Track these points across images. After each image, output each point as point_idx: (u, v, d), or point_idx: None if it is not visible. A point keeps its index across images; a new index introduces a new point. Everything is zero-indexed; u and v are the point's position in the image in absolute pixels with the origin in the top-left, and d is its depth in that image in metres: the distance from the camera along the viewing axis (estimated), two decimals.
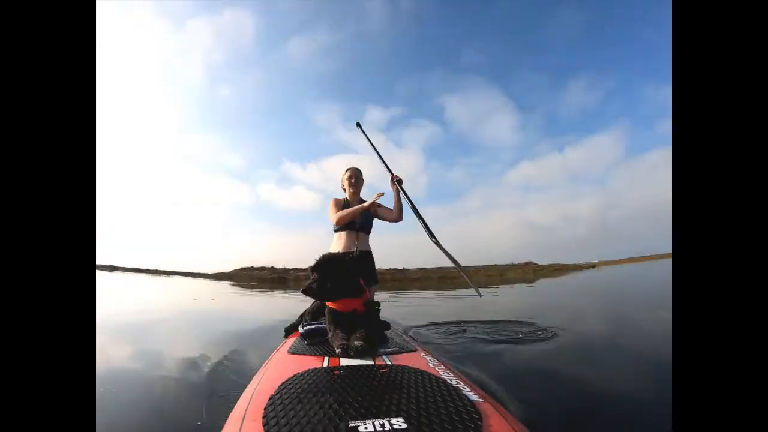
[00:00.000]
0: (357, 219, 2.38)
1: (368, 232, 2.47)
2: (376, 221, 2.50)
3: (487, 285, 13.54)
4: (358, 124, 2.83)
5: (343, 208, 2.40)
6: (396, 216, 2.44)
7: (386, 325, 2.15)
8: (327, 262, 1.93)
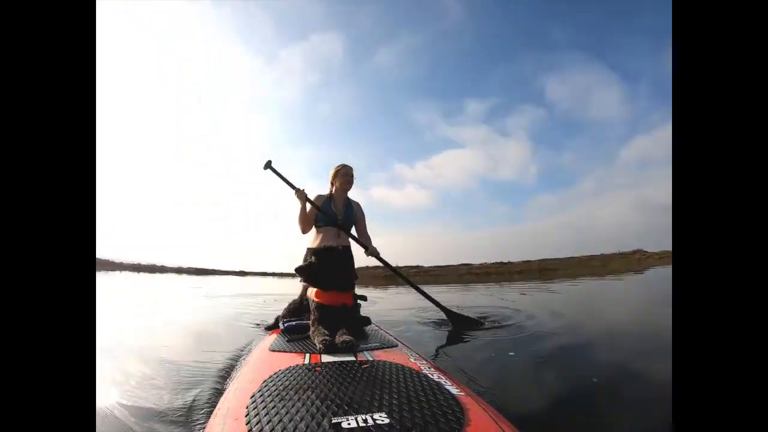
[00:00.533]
0: (340, 216, 2.43)
1: (349, 231, 2.51)
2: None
3: (589, 276, 13.00)
4: (267, 165, 2.60)
5: (323, 207, 2.44)
6: (361, 237, 2.55)
7: (366, 320, 2.17)
8: (326, 252, 1.95)
